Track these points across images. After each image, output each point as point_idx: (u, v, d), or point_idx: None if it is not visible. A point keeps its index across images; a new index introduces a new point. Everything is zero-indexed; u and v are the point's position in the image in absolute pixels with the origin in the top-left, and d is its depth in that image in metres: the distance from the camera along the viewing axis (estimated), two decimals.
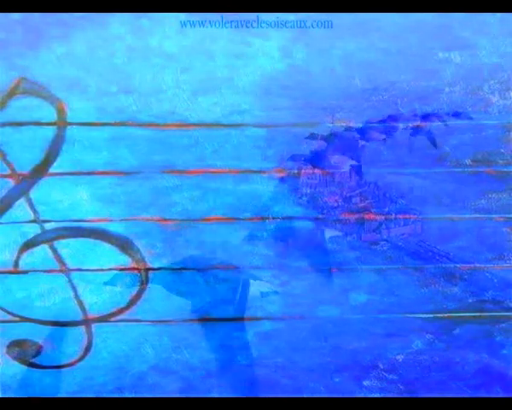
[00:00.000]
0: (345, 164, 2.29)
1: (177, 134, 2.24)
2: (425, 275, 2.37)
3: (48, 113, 2.18)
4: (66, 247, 2.24)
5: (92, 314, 2.28)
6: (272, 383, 2.35)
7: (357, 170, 2.32)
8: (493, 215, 2.34)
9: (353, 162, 2.30)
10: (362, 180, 2.33)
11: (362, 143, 2.30)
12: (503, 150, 2.33)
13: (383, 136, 2.30)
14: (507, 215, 2.34)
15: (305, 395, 2.35)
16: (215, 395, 2.33)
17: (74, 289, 2.27)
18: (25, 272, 2.25)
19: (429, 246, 2.37)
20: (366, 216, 2.37)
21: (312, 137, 2.27)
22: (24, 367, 2.29)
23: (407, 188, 2.34)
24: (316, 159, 2.29)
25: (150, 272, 2.28)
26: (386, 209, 2.37)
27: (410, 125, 2.31)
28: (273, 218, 2.32)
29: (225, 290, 2.31)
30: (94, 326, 2.29)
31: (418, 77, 2.27)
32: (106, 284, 2.27)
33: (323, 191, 2.35)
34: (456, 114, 2.30)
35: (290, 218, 2.34)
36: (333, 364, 2.36)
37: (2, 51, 2.16)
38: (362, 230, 2.36)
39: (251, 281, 2.31)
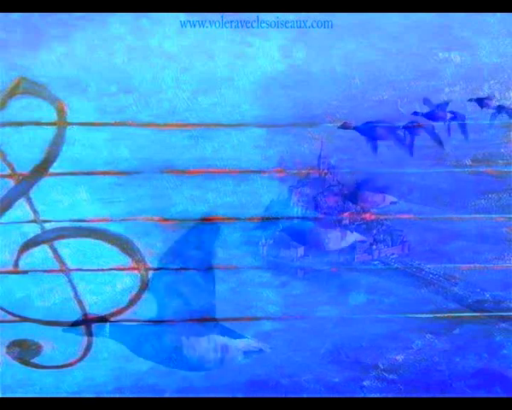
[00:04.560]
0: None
1: (177, 134, 2.24)
2: (425, 275, 2.37)
3: (48, 113, 2.18)
4: (67, 247, 2.24)
5: (92, 314, 2.28)
6: (272, 383, 2.35)
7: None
8: (493, 215, 2.34)
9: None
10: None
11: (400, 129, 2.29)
12: (503, 150, 2.33)
13: (449, 115, 2.29)
14: (507, 215, 2.34)
15: (305, 395, 2.35)
16: (215, 395, 2.33)
17: (74, 289, 2.27)
18: (25, 272, 2.24)
19: (419, 265, 2.38)
20: (366, 216, 2.37)
21: (344, 126, 2.26)
22: (24, 367, 2.29)
23: (407, 188, 2.34)
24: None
25: (150, 271, 2.28)
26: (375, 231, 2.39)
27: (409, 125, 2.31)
28: (273, 218, 2.32)
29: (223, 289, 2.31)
30: (94, 326, 2.28)
31: (418, 77, 2.27)
32: (106, 284, 2.27)
33: (323, 191, 2.35)
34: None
35: (290, 218, 2.34)
36: (333, 364, 2.36)
37: (2, 51, 2.15)
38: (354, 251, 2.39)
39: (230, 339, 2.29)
